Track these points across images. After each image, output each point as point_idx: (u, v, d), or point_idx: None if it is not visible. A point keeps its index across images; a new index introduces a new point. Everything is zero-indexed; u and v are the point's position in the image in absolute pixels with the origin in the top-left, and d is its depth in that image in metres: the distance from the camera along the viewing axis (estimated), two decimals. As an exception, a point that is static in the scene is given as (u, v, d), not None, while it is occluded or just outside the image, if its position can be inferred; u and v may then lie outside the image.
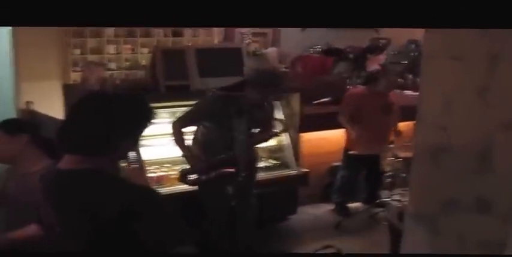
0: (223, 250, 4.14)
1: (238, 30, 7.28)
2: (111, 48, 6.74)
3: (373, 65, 6.86)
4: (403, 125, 5.40)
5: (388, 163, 5.22)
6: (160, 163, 4.58)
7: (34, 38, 5.93)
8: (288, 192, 5.11)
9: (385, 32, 7.41)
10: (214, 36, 7.34)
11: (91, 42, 6.58)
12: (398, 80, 6.13)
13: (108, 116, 1.79)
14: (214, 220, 4.16)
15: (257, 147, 4.36)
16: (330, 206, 5.59)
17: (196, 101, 4.05)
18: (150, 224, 1.77)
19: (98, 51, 6.65)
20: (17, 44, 6.01)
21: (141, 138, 1.92)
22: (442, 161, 2.19)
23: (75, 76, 6.22)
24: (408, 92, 6.46)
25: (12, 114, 5.78)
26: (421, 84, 2.40)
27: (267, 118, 4.17)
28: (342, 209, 5.50)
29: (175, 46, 6.65)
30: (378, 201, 5.41)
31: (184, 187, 4.24)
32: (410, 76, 6.96)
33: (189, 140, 4.06)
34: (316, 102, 5.66)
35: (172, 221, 1.85)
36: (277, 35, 7.73)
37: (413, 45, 7.97)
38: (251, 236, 4.34)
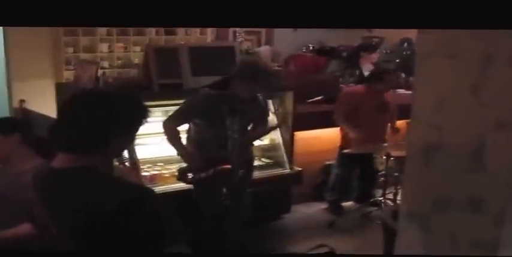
0: (216, 249, 4.14)
1: (231, 28, 7.28)
2: (103, 47, 6.74)
3: (366, 63, 6.88)
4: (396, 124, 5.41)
5: (381, 161, 5.23)
6: (153, 162, 4.57)
7: (26, 36, 5.93)
8: (281, 191, 5.11)
9: (378, 31, 7.44)
10: (207, 34, 7.35)
11: (84, 41, 6.59)
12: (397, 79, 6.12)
13: (102, 114, 1.78)
14: (208, 219, 4.15)
15: (252, 146, 4.34)
16: (323, 205, 5.59)
17: (185, 100, 4.03)
18: (144, 223, 1.77)
19: (90, 49, 6.66)
20: (9, 43, 6.00)
21: (136, 136, 1.92)
22: (435, 159, 2.19)
23: (68, 75, 6.23)
24: (401, 91, 6.46)
25: (5, 113, 5.77)
26: (415, 83, 2.40)
27: (261, 114, 4.16)
28: (335, 208, 5.50)
29: (168, 44, 6.65)
30: (371, 200, 5.42)
31: (178, 186, 4.24)
32: (403, 75, 6.96)
33: (183, 138, 4.05)
34: (310, 101, 5.66)
35: (166, 220, 1.85)
36: (270, 33, 7.75)
37: (406, 44, 8.00)
38: (244, 235, 4.33)
